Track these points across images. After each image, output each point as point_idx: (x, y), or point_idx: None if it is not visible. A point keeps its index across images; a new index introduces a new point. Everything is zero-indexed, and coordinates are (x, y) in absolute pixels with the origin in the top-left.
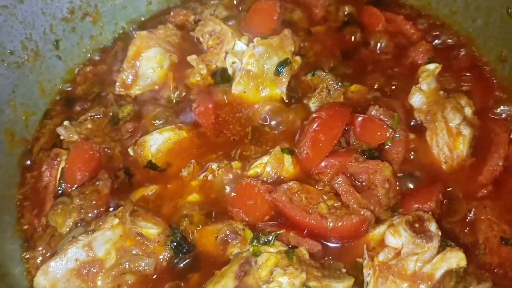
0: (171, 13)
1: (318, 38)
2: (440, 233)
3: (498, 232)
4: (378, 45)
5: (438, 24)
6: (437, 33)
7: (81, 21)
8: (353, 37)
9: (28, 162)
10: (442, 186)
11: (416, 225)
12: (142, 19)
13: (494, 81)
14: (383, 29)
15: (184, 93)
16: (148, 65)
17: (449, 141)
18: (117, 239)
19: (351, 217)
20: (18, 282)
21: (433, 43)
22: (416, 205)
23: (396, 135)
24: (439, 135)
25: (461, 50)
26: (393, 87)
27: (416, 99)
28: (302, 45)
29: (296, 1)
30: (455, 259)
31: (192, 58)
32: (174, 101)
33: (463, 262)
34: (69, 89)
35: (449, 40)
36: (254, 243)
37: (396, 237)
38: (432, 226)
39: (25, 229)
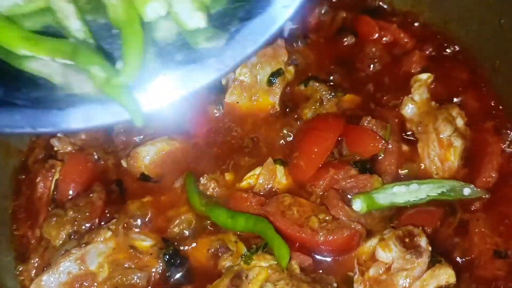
0: None
1: (312, 48)
2: (430, 248)
3: (491, 245)
4: (372, 54)
5: (432, 33)
6: (431, 42)
7: None
8: (347, 47)
9: (23, 173)
10: (443, 211)
11: (407, 240)
12: None
13: (488, 91)
14: (377, 38)
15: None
16: None
17: (440, 152)
18: (110, 252)
19: (342, 230)
20: None
21: (427, 52)
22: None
23: (388, 146)
24: (431, 147)
25: (455, 59)
26: (387, 97)
27: (408, 110)
28: (295, 55)
29: None
30: (444, 275)
31: None
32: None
33: (452, 279)
34: None
35: (443, 50)
36: (246, 253)
37: (387, 251)
38: (423, 242)
39: (19, 241)
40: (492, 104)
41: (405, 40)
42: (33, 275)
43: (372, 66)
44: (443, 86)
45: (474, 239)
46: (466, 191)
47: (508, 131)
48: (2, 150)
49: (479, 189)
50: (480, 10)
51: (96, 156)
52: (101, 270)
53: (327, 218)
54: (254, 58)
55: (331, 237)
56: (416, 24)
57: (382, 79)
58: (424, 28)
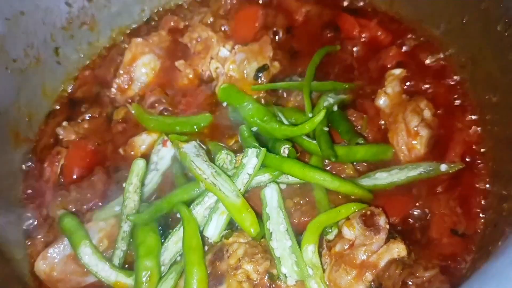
0: (163, 20)
1: (297, 44)
2: (388, 226)
3: (449, 224)
4: (354, 50)
5: (408, 30)
6: (407, 38)
7: (79, 29)
8: (329, 42)
9: (32, 159)
10: (414, 203)
11: (368, 219)
12: (136, 25)
13: (456, 85)
14: (358, 35)
15: (172, 96)
16: (142, 71)
17: (408, 141)
18: (109, 228)
19: (315, 212)
20: (21, 266)
21: (402, 48)
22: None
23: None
24: (399, 136)
25: (428, 54)
26: (366, 91)
27: (381, 102)
28: (280, 50)
29: (279, 8)
30: (396, 249)
31: (179, 64)
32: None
33: (403, 252)
34: (70, 91)
35: (417, 46)
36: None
37: (351, 229)
38: (381, 221)
39: (28, 219)
40: (459, 97)
41: (383, 37)
42: (39, 248)
43: (353, 61)
44: (415, 79)
45: (434, 219)
46: (443, 167)
47: (472, 122)
48: (12, 138)
49: (453, 163)
50: (447, 8)
51: (97, 144)
52: (101, 244)
53: (301, 201)
54: (242, 54)
55: (305, 219)
56: (393, 22)
57: (363, 73)
58: (400, 26)
